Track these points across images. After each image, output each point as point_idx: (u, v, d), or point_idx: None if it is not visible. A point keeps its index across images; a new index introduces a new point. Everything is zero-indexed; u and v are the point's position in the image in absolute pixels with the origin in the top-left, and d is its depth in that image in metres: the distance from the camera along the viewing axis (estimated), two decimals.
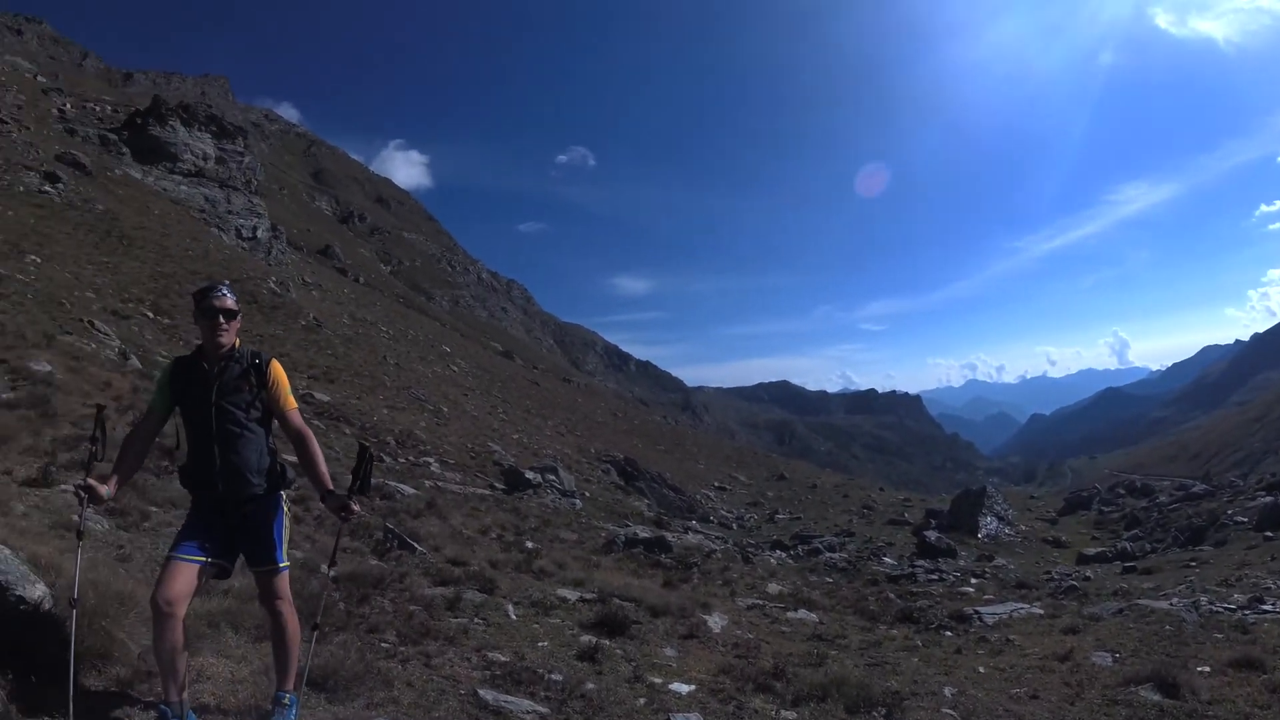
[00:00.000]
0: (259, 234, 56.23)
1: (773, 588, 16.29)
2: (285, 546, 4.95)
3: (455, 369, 55.34)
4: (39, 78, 72.35)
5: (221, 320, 4.76)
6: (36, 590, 5.25)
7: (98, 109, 61.54)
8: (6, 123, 45.37)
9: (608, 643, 8.65)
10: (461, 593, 9.63)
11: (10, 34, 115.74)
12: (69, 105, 59.10)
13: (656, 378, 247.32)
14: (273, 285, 41.18)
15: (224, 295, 4.81)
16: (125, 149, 53.58)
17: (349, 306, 57.24)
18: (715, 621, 11.09)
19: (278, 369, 4.89)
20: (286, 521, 5.04)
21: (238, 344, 4.86)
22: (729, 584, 16.14)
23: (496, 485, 25.09)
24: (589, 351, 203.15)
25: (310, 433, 4.94)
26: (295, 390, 5.30)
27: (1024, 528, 37.70)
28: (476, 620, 8.77)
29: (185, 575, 4.55)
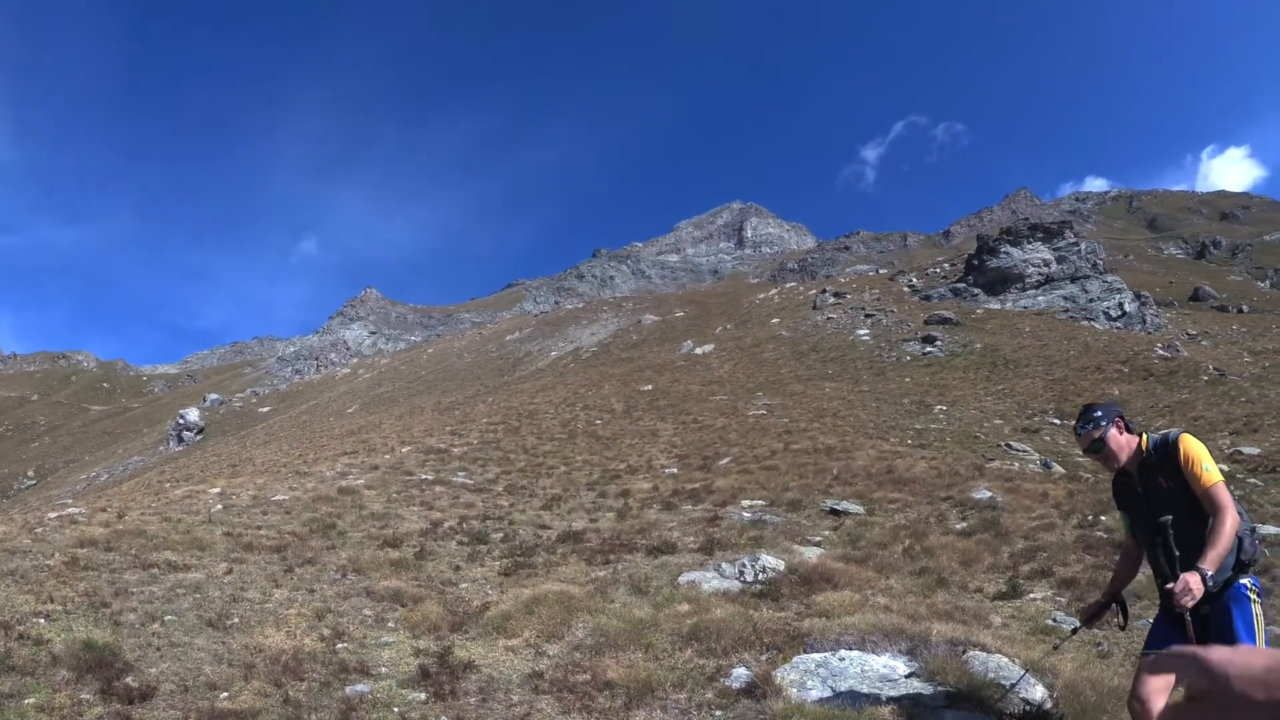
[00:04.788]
0: (1126, 308, 54.38)
1: None
2: (1260, 638, 4.23)
3: None
4: (880, 271, 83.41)
5: (1094, 457, 4.66)
6: (1037, 692, 5.61)
7: (937, 270, 68.22)
8: (875, 315, 52.45)
9: None
10: None
11: (840, 252, 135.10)
12: (914, 279, 66.27)
13: None
14: (1160, 351, 38.98)
15: (1082, 433, 4.66)
16: (975, 290, 57.96)
17: (1244, 343, 51.22)
18: None
19: (1185, 446, 4.35)
20: (1256, 610, 4.27)
21: (1143, 443, 4.54)
22: None
23: None
24: None
25: (1226, 509, 4.22)
26: (1219, 452, 4.55)
27: None
28: None
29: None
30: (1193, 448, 4.30)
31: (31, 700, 6.17)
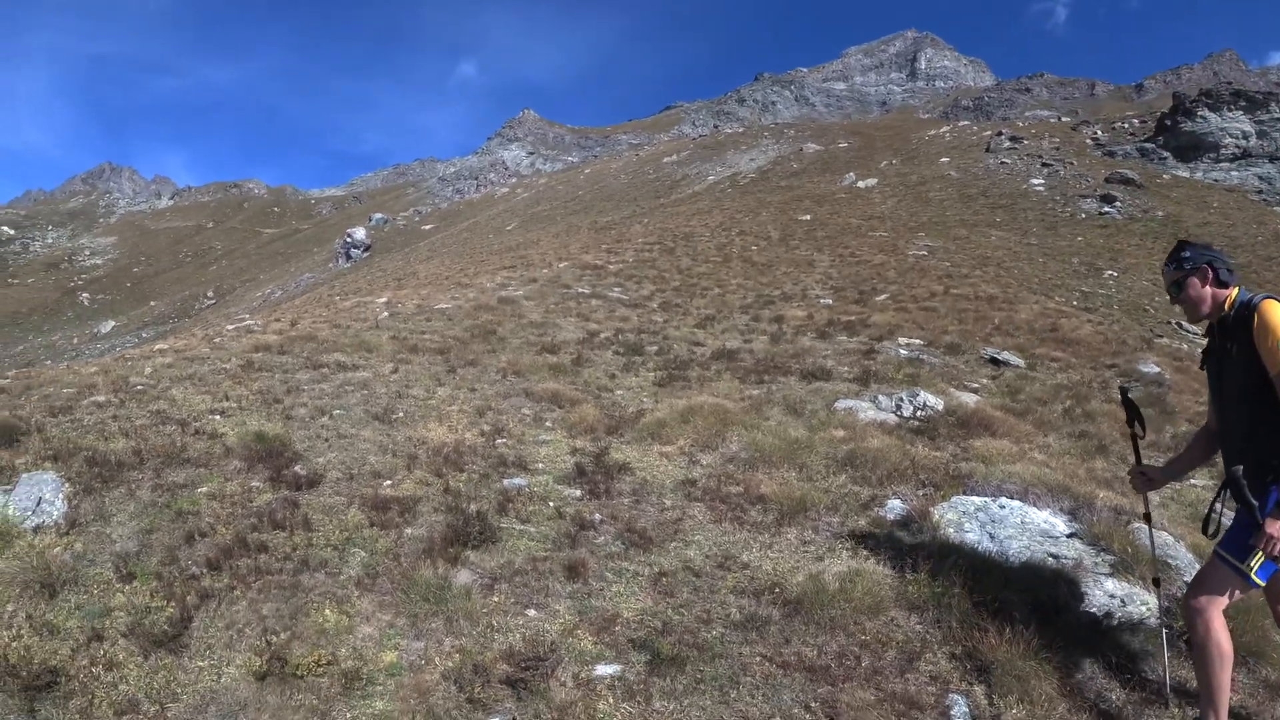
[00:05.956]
0: None
1: None
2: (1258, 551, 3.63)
3: None
4: (1062, 119, 77.97)
5: (1173, 303, 4.01)
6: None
7: (1125, 126, 63.32)
8: (1052, 165, 49.41)
9: None
10: None
11: (1020, 94, 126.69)
12: (1098, 131, 61.80)
13: None
14: None
15: (1165, 272, 4.02)
16: (1164, 153, 53.44)
17: None
18: None
19: (1264, 314, 3.58)
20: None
21: (1228, 300, 3.80)
22: None
23: None
24: None
25: None
26: None
27: None
28: None
29: (1215, 575, 3.88)
30: (1272, 317, 3.53)
31: (204, 489, 6.59)
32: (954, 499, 6.36)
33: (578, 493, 6.92)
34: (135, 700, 4.24)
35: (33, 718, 4.11)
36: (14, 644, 4.51)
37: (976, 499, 6.31)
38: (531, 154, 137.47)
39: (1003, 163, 51.92)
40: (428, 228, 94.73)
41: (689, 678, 4.40)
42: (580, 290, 20.17)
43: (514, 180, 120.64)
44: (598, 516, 6.38)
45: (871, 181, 51.03)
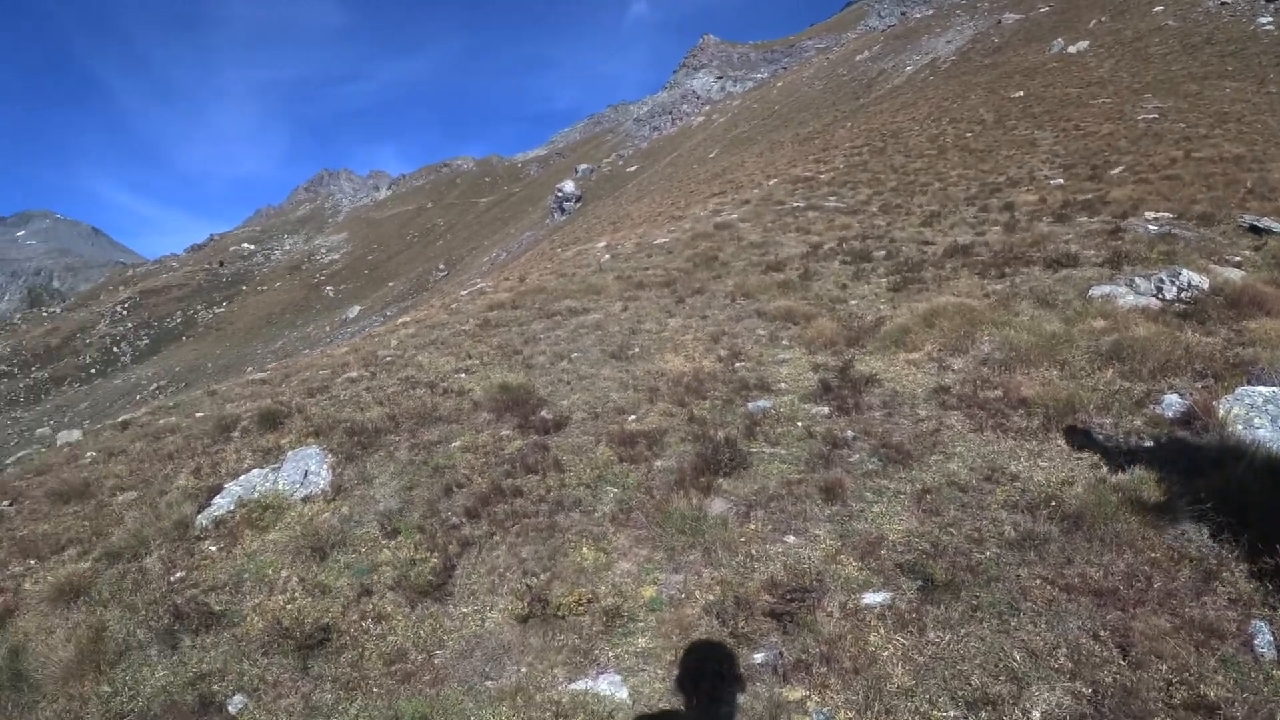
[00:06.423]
0: None
1: None
2: None
3: None
4: None
5: None
6: None
7: None
8: None
9: None
10: None
11: None
12: None
13: None
14: None
15: None
16: None
17: None
18: None
19: None
20: None
21: None
22: None
23: None
24: None
25: None
26: None
27: None
28: None
29: None
30: None
31: (457, 443, 6.85)
32: (1238, 390, 5.67)
33: (825, 410, 6.66)
34: (403, 650, 4.40)
35: (306, 674, 4.31)
36: (288, 607, 4.81)
37: (1264, 389, 5.61)
38: (720, 78, 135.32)
39: (1223, 3, 46.45)
40: (632, 169, 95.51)
41: (964, 605, 4.10)
42: (795, 204, 19.68)
43: (707, 107, 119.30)
44: (849, 433, 6.10)
45: (1083, 45, 47.00)
